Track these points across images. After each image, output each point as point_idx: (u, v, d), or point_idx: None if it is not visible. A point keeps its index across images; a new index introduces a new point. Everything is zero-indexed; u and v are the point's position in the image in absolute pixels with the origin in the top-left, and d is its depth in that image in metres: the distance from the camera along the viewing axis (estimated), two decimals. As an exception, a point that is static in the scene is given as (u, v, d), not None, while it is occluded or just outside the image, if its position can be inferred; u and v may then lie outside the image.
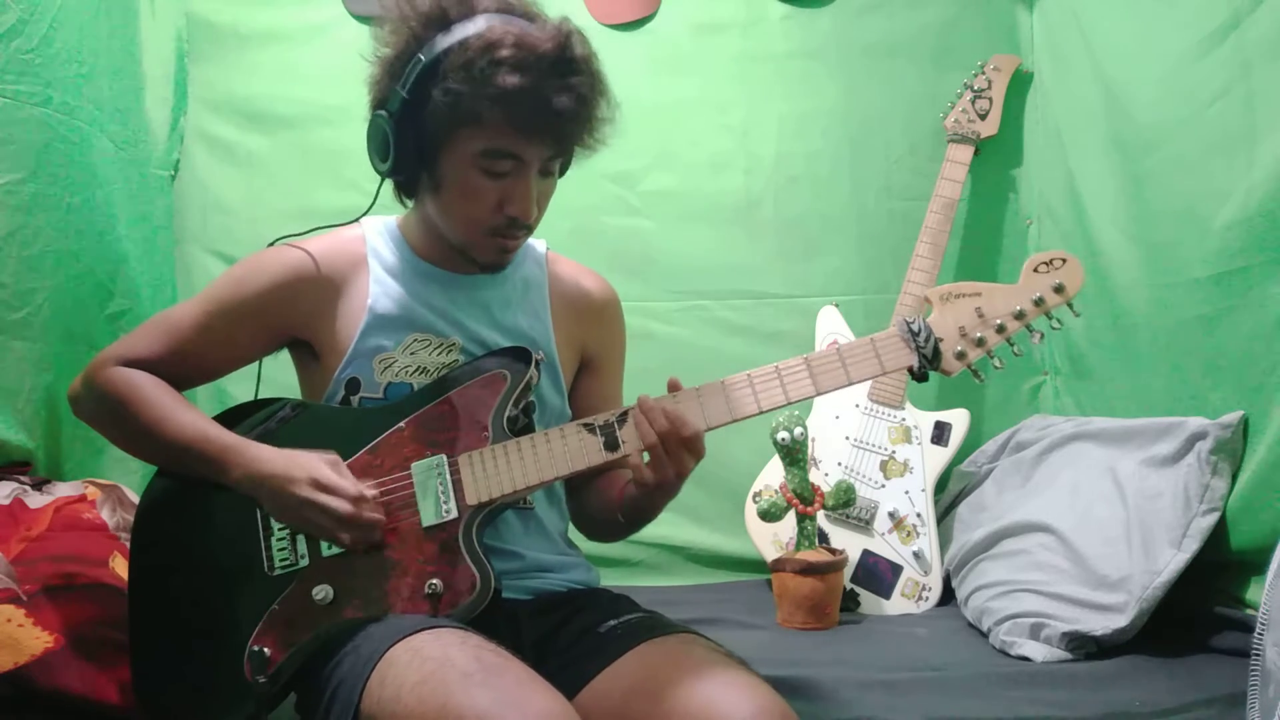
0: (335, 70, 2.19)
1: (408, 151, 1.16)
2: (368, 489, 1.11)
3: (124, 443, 1.23)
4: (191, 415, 1.17)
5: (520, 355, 1.18)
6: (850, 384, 1.12)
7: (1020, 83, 2.21)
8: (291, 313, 1.22)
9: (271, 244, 1.26)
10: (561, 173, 1.26)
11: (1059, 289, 1.14)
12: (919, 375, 1.13)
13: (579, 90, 1.11)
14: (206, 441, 1.14)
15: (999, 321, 1.14)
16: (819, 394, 1.12)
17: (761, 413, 1.12)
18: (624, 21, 2.24)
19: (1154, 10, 1.72)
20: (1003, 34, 2.24)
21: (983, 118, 2.13)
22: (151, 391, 1.18)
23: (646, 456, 1.12)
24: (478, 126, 1.11)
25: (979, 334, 1.13)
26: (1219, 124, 1.55)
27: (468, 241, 1.21)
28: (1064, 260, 1.15)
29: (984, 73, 2.15)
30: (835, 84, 2.24)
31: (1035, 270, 1.15)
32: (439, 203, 1.20)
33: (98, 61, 1.80)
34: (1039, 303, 1.14)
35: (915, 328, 1.12)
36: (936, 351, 1.12)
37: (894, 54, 2.24)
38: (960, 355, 1.13)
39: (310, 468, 1.10)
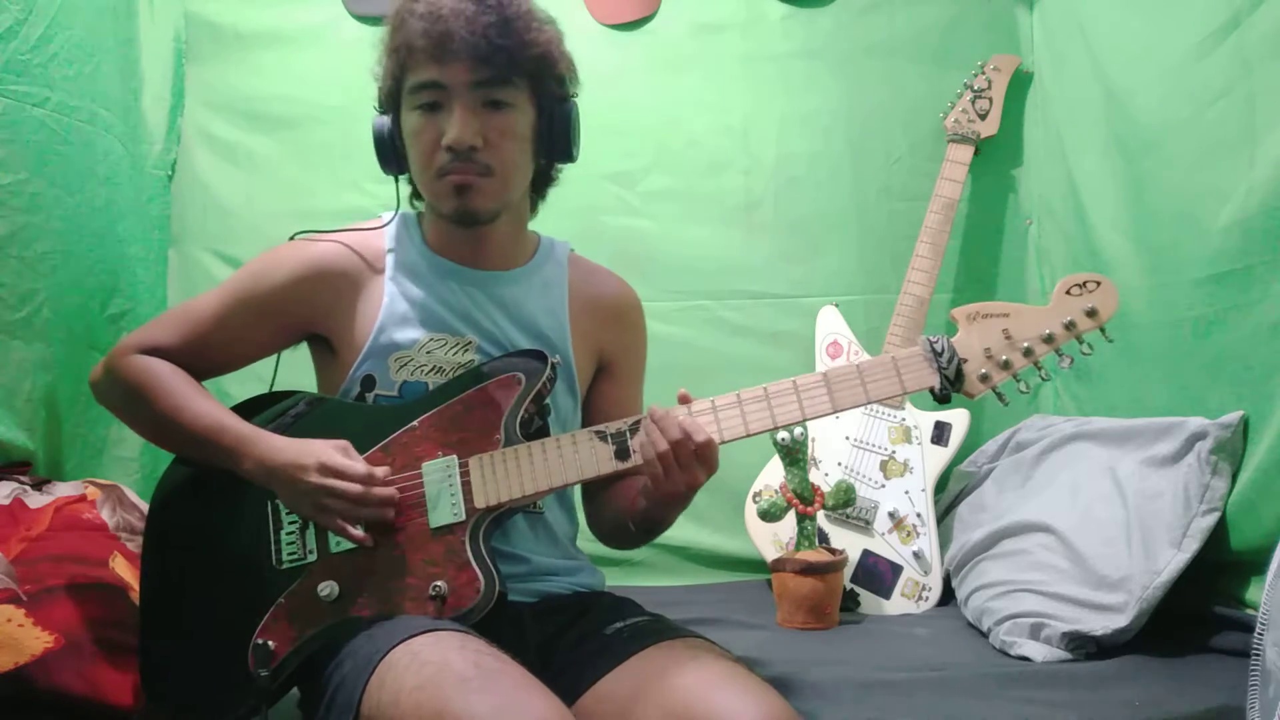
0: (335, 70, 2.19)
1: (385, 139, 1.22)
2: (378, 469, 1.11)
3: (142, 429, 1.24)
4: (209, 404, 1.18)
5: (537, 358, 1.17)
6: (869, 402, 1.09)
7: (1020, 83, 2.21)
8: (310, 308, 1.23)
9: (292, 238, 1.27)
10: (556, 153, 1.24)
11: (1092, 313, 1.10)
12: (940, 396, 1.08)
13: (486, 3, 1.14)
14: (222, 431, 1.15)
15: (1026, 344, 1.09)
16: (836, 412, 1.09)
17: (777, 428, 1.10)
18: (624, 21, 2.24)
19: (1154, 10, 1.72)
20: (1003, 34, 2.24)
21: (983, 118, 2.13)
22: (170, 380, 1.19)
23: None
24: (405, 70, 1.17)
25: (1005, 357, 1.09)
26: (1219, 124, 1.54)
27: (432, 195, 1.22)
28: (1098, 283, 1.11)
29: (984, 73, 2.15)
30: (836, 84, 2.25)
31: (1068, 292, 1.11)
32: (412, 173, 1.23)
33: (98, 62, 1.80)
34: (1070, 326, 1.10)
35: (939, 347, 1.08)
36: (960, 373, 1.08)
37: (894, 54, 2.24)
38: (984, 378, 1.09)
39: (319, 454, 1.11)
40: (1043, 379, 1.12)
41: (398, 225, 1.29)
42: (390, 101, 1.22)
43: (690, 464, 1.07)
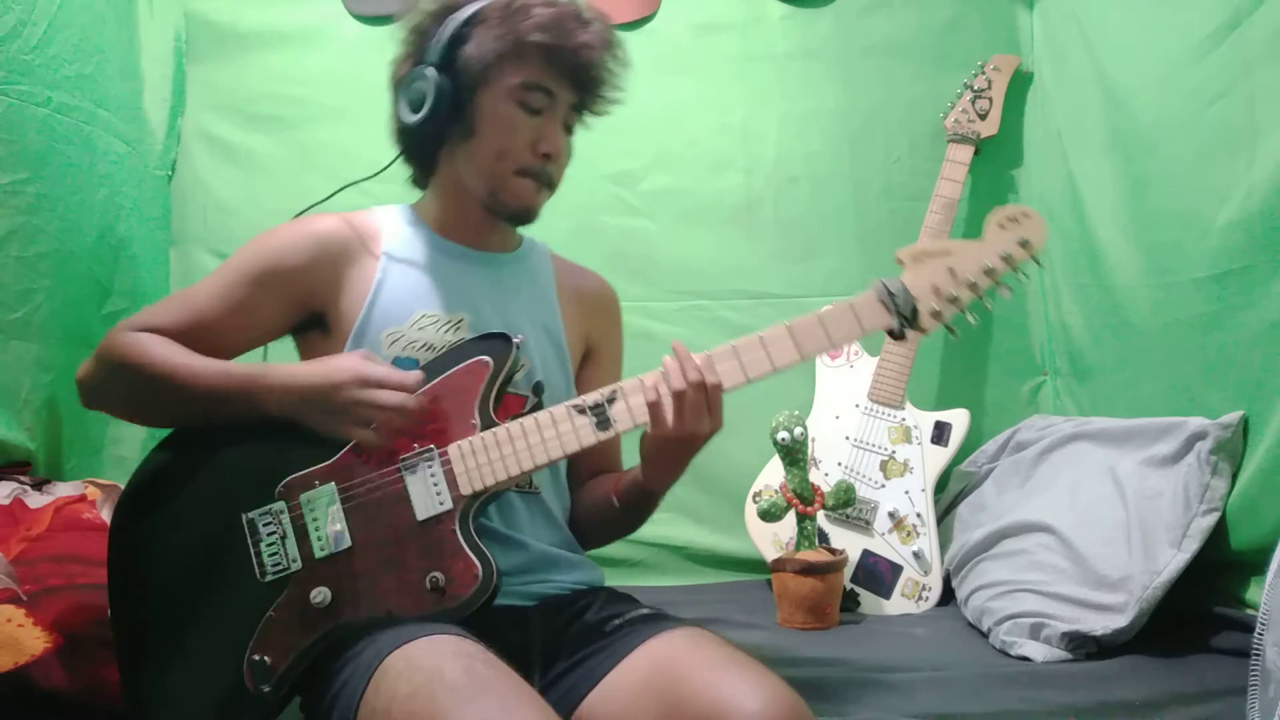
0: (335, 70, 2.19)
1: (445, 96, 1.20)
2: (409, 376, 1.11)
3: (139, 407, 1.20)
4: (206, 360, 1.15)
5: (501, 340, 1.16)
6: (831, 346, 1.14)
7: (1020, 83, 2.21)
8: (314, 280, 1.22)
9: (297, 216, 1.28)
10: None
11: (1024, 243, 1.16)
12: (897, 335, 1.15)
13: (600, 33, 1.23)
14: (228, 377, 1.13)
15: (971, 279, 1.15)
16: (802, 358, 1.13)
17: (748, 381, 1.12)
18: (624, 21, 2.24)
19: (1154, 10, 1.72)
20: (1003, 34, 2.24)
21: (983, 118, 2.13)
22: (163, 347, 1.15)
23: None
24: (517, 61, 1.20)
25: (952, 292, 1.15)
26: (1219, 124, 1.54)
27: (498, 184, 1.24)
28: (1026, 215, 1.17)
29: (984, 73, 2.15)
30: (835, 84, 2.25)
31: (1000, 226, 1.17)
32: (473, 147, 1.24)
33: (98, 62, 1.80)
34: (1007, 258, 1.16)
35: (893, 289, 1.14)
36: (914, 311, 1.14)
37: (894, 54, 2.24)
38: (935, 314, 1.15)
39: (353, 368, 1.10)
40: (986, 308, 1.18)
41: (392, 210, 1.32)
42: (481, 69, 1.21)
43: (700, 407, 1.08)
